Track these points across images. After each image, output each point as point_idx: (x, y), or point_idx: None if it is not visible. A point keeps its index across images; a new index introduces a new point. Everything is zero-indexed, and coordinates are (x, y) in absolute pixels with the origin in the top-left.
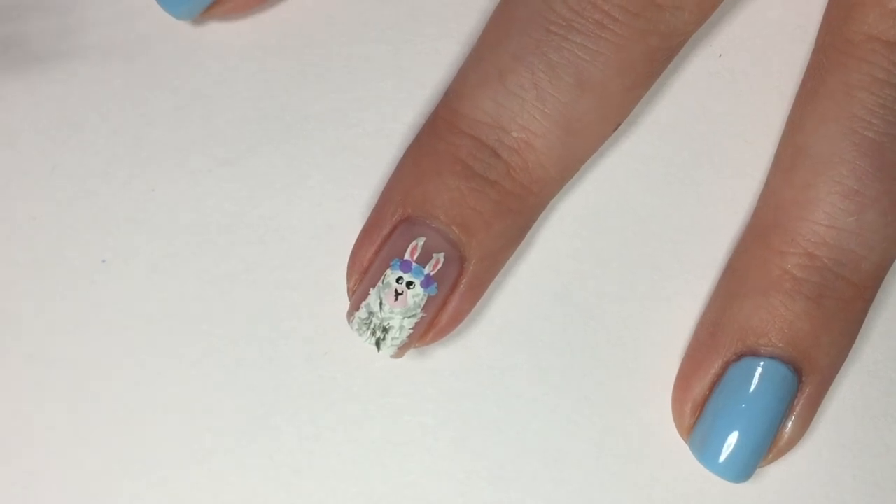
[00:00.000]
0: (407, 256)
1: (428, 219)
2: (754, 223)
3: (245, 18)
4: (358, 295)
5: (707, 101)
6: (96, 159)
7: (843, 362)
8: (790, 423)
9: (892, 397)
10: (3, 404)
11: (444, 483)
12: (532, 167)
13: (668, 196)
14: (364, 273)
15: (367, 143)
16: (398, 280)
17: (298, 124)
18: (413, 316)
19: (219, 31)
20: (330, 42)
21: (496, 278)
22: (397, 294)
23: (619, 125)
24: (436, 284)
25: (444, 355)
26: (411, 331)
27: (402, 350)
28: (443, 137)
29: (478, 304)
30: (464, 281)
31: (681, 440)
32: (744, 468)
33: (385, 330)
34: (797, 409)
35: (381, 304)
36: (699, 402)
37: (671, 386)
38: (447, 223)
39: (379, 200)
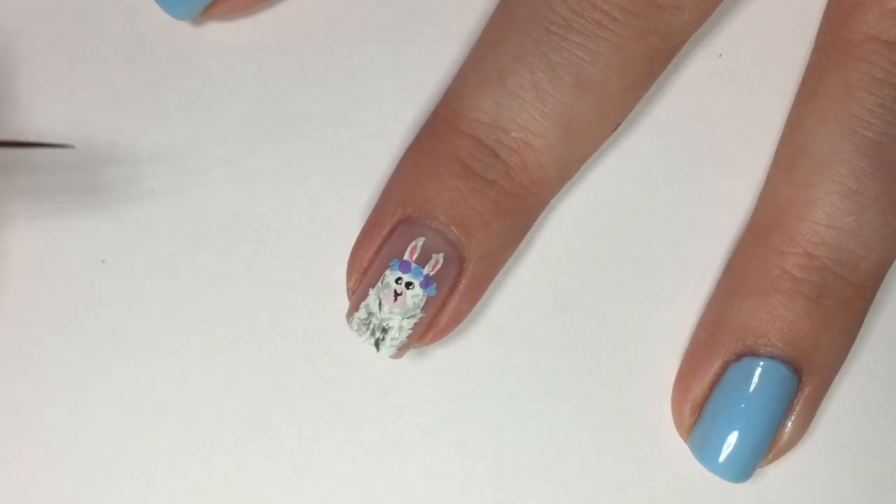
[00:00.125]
0: (406, 257)
1: (427, 219)
2: (754, 223)
3: (245, 18)
4: (357, 295)
5: (707, 101)
6: (96, 159)
7: (842, 362)
8: (790, 423)
9: (892, 397)
10: (2, 404)
11: (444, 483)
12: (531, 167)
13: (668, 196)
14: (364, 273)
15: (367, 143)
16: (397, 280)
17: (298, 124)
18: (412, 316)
19: (219, 31)
20: (330, 42)
21: (496, 278)
22: (396, 294)
23: (619, 125)
24: (435, 285)
25: (444, 355)
26: (411, 331)
27: (401, 350)
28: (442, 137)
29: (478, 304)
30: (463, 281)
31: (681, 440)
32: (743, 468)
33: (384, 330)
34: (797, 409)
35: (380, 304)
36: (699, 402)
37: (671, 386)
38: (447, 223)
39: (379, 200)
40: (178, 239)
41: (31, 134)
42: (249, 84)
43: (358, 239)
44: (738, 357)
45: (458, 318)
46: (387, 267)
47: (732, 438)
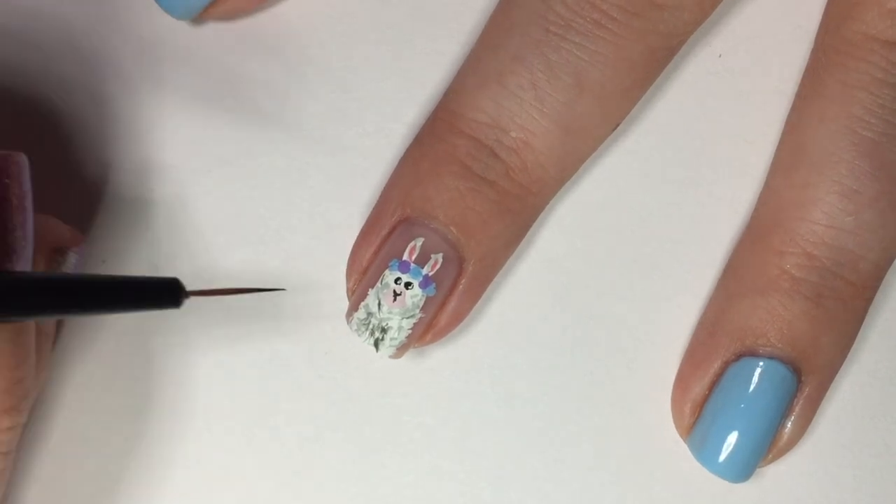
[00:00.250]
0: (405, 257)
1: (427, 219)
2: (753, 223)
3: (245, 18)
4: (357, 295)
5: (707, 101)
6: (95, 159)
7: (842, 362)
8: (790, 423)
9: (892, 397)
10: None
11: (444, 483)
12: (531, 167)
13: (668, 196)
14: (363, 273)
15: (367, 143)
16: (396, 280)
17: (298, 124)
18: (412, 316)
19: (219, 31)
20: (330, 42)
21: (496, 278)
22: (396, 294)
23: (619, 125)
24: (434, 285)
25: (444, 355)
26: (410, 331)
27: (400, 350)
28: (442, 138)
29: (477, 304)
30: (463, 281)
31: (681, 440)
32: (743, 468)
33: (384, 330)
34: (796, 409)
35: (379, 304)
36: (698, 402)
37: (671, 386)
38: (446, 223)
39: (378, 201)
40: (177, 239)
41: (29, 133)
42: (249, 84)
43: (357, 239)
44: (738, 357)
45: (457, 318)
46: (386, 267)
47: (732, 438)
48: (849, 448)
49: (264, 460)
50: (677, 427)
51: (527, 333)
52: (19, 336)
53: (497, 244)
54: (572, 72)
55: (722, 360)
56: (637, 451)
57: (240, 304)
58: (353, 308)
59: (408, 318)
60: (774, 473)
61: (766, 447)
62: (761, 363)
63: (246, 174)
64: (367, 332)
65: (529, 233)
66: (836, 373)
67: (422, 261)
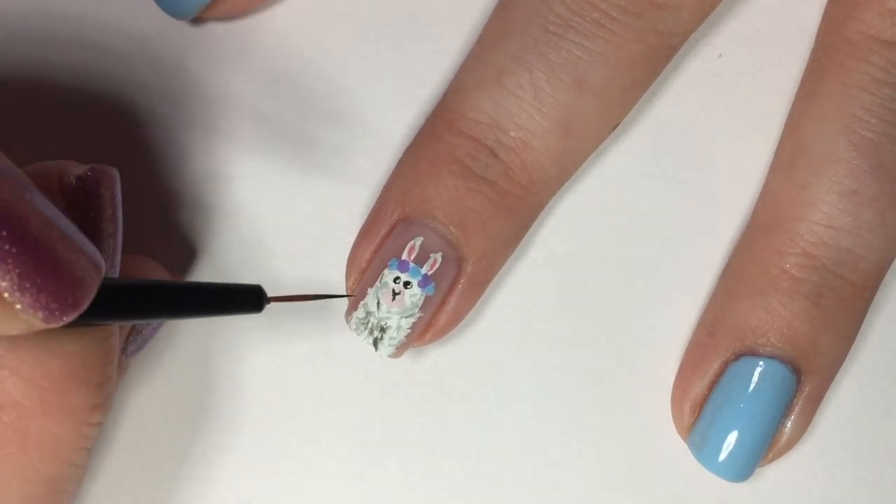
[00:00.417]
0: (405, 256)
1: (426, 219)
2: (753, 223)
3: (245, 18)
4: (356, 294)
5: (707, 101)
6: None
7: (842, 362)
8: (789, 422)
9: (892, 397)
10: None
11: (444, 483)
12: (530, 167)
13: (668, 196)
14: (363, 273)
15: (367, 143)
16: (395, 280)
17: (298, 124)
18: (411, 316)
19: (219, 31)
20: (330, 42)
21: (496, 278)
22: (395, 294)
23: (618, 125)
24: (433, 284)
25: (444, 355)
26: (409, 330)
27: (400, 350)
28: (441, 138)
29: (477, 304)
30: (462, 281)
31: (681, 440)
32: (743, 467)
33: (383, 330)
34: (796, 408)
35: (378, 303)
36: (698, 401)
37: (671, 386)
38: (445, 223)
39: (378, 200)
40: (177, 240)
41: (26, 132)
42: (249, 84)
43: (357, 238)
44: (738, 357)
45: (457, 318)
46: (385, 266)
47: (732, 438)
48: (849, 448)
49: (264, 460)
50: (677, 427)
51: (527, 333)
52: (110, 337)
53: (496, 244)
54: (572, 71)
55: (722, 360)
56: (637, 450)
57: None
58: (353, 307)
59: (407, 317)
60: (774, 473)
61: (765, 447)
62: (761, 363)
63: (245, 174)
64: (366, 332)
65: (529, 233)
66: (836, 373)
67: (421, 260)
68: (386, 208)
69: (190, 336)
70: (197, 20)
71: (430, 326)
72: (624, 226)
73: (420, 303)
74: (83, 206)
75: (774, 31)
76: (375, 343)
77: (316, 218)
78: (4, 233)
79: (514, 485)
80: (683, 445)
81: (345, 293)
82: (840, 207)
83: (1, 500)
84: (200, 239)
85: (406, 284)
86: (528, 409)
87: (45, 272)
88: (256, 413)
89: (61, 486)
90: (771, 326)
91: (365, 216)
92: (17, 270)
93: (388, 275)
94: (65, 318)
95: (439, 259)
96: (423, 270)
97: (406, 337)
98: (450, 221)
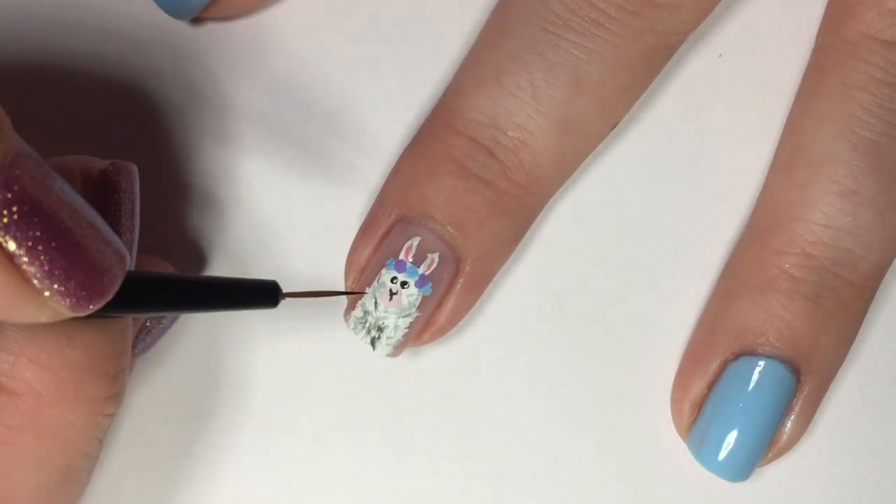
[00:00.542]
0: (402, 256)
1: (423, 219)
2: (753, 223)
3: (245, 18)
4: (353, 295)
5: (707, 101)
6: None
7: (842, 362)
8: (789, 422)
9: (892, 397)
10: None
11: (444, 483)
12: (528, 167)
13: (668, 196)
14: (361, 272)
15: (367, 143)
16: (393, 280)
17: (298, 124)
18: (408, 315)
19: (219, 31)
20: (330, 42)
21: (496, 278)
22: (392, 293)
23: (617, 124)
24: (430, 284)
25: (445, 355)
26: (406, 330)
27: (397, 349)
28: (439, 138)
29: (477, 305)
30: (460, 281)
31: (681, 440)
32: (742, 467)
33: (380, 329)
34: (796, 408)
35: (375, 303)
36: (698, 401)
37: (671, 385)
38: (442, 223)
39: (376, 200)
40: (176, 239)
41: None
42: (249, 84)
43: (355, 238)
44: (737, 356)
45: (455, 318)
46: (383, 266)
47: (731, 437)
48: (849, 448)
49: (264, 460)
50: (677, 426)
51: (526, 333)
52: (125, 330)
53: (494, 244)
54: (570, 71)
55: (721, 360)
56: (637, 450)
57: None
58: (351, 307)
59: (404, 316)
60: (774, 473)
61: (765, 446)
62: (760, 363)
63: (245, 174)
64: (364, 331)
65: (529, 232)
66: (836, 373)
67: (418, 260)
68: (384, 208)
69: (190, 336)
70: (197, 20)
71: (428, 326)
72: (624, 226)
73: (417, 303)
74: (103, 200)
75: (774, 31)
76: (373, 342)
77: (315, 218)
78: (35, 219)
79: (514, 484)
80: (683, 445)
81: (354, 291)
82: (839, 207)
83: (16, 487)
84: (198, 240)
85: (403, 284)
86: (528, 408)
87: (73, 260)
88: (256, 413)
89: (74, 476)
90: (770, 326)
91: (364, 216)
92: (47, 257)
93: (386, 274)
94: (91, 307)
95: (436, 259)
96: (420, 270)
97: (403, 336)
98: (447, 221)
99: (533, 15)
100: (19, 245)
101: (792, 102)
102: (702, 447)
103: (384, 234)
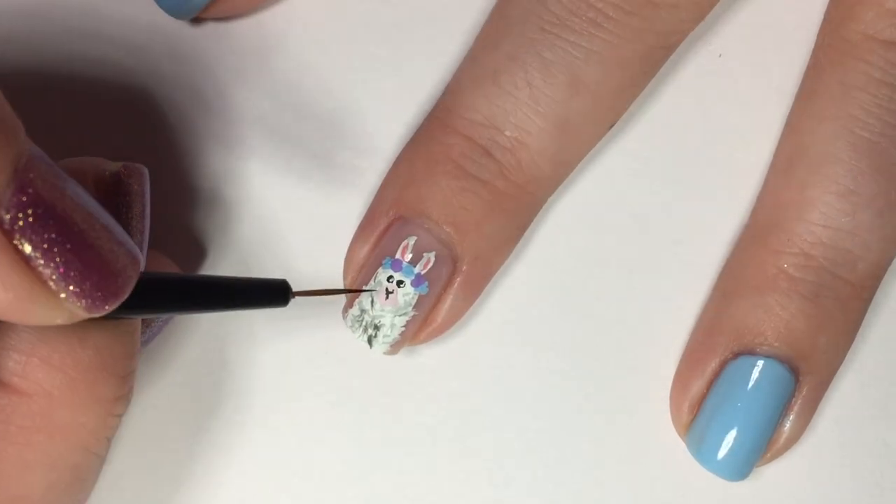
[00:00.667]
0: (398, 255)
1: (420, 219)
2: (752, 223)
3: (245, 18)
4: (351, 293)
5: (707, 101)
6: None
7: (841, 362)
8: (788, 422)
9: (892, 397)
10: None
11: (444, 483)
12: (526, 166)
13: (668, 196)
14: (359, 271)
15: (367, 143)
16: (389, 279)
17: (298, 124)
18: (404, 314)
19: (219, 31)
20: (330, 42)
21: (495, 278)
22: (388, 292)
23: (615, 124)
24: (427, 283)
25: (445, 355)
26: (403, 329)
27: (394, 347)
28: (436, 138)
29: (478, 304)
30: (457, 280)
31: (680, 439)
32: (741, 466)
33: (376, 328)
34: (795, 408)
35: (372, 301)
36: (696, 400)
37: (670, 385)
38: (439, 223)
39: (374, 200)
40: (176, 239)
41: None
42: (249, 84)
43: (353, 238)
44: (736, 356)
45: (453, 318)
46: (379, 265)
47: (729, 437)
48: (849, 448)
49: (264, 460)
50: (676, 425)
51: (526, 333)
52: (135, 331)
53: (491, 244)
54: (567, 70)
55: (720, 359)
56: (637, 450)
57: None
58: (349, 305)
59: (400, 315)
60: (774, 473)
61: (763, 446)
62: (759, 362)
63: (245, 174)
64: (361, 329)
65: (528, 232)
66: (835, 372)
67: (415, 259)
68: (382, 207)
69: (190, 337)
70: (197, 20)
71: (425, 325)
72: (623, 226)
73: (413, 302)
74: (115, 201)
75: (774, 31)
76: (370, 341)
77: (315, 218)
78: (50, 222)
79: (514, 484)
80: (683, 445)
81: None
82: (838, 207)
83: (28, 487)
84: (198, 240)
85: (399, 283)
86: (527, 408)
87: (88, 261)
88: (256, 413)
89: (84, 475)
90: (768, 326)
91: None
92: (62, 259)
93: (382, 273)
94: (107, 307)
95: (432, 258)
96: (416, 270)
97: (400, 335)
98: (444, 221)
99: (531, 15)
100: (35, 247)
101: (792, 102)
102: (701, 446)
103: (381, 233)
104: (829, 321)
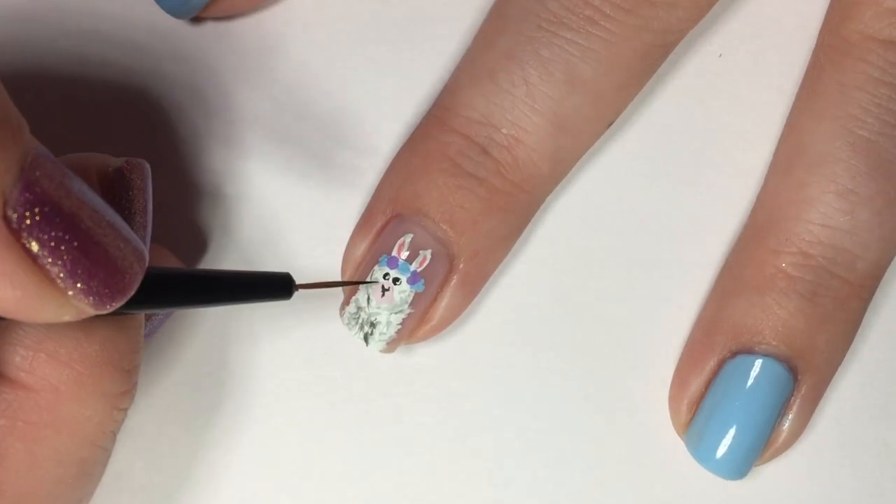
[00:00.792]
0: (394, 253)
1: (416, 216)
2: (751, 222)
3: (245, 18)
4: (349, 290)
5: (707, 101)
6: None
7: (840, 361)
8: (787, 421)
9: (892, 397)
10: None
11: (444, 483)
12: (523, 164)
13: (668, 196)
14: (357, 268)
15: (366, 142)
16: (385, 276)
17: (298, 124)
18: (400, 312)
19: (219, 31)
20: (330, 42)
21: (494, 277)
22: (384, 290)
23: (613, 123)
24: (423, 281)
25: (445, 354)
26: (399, 326)
27: (391, 345)
28: (434, 136)
29: (477, 304)
30: (454, 278)
31: (679, 438)
32: (739, 465)
33: (373, 325)
34: (794, 407)
35: (368, 299)
36: (695, 399)
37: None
38: (436, 220)
39: (372, 198)
40: (176, 239)
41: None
42: (249, 84)
43: (351, 235)
44: (734, 355)
45: (450, 316)
46: (376, 263)
47: (728, 435)
48: (849, 448)
49: (264, 460)
50: (674, 424)
51: (526, 333)
52: (139, 326)
53: (488, 241)
54: (564, 68)
55: (718, 358)
56: (637, 450)
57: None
58: (346, 302)
59: (396, 313)
60: (773, 472)
61: (762, 445)
62: (757, 361)
63: (245, 174)
64: (357, 326)
65: (527, 231)
66: (834, 372)
67: (411, 257)
68: (379, 205)
69: (191, 337)
70: (197, 20)
71: (422, 323)
72: (623, 225)
73: (410, 299)
74: (118, 197)
75: (774, 31)
76: (366, 338)
77: (315, 217)
78: (57, 220)
79: (514, 484)
80: (682, 444)
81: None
82: (837, 207)
83: (35, 481)
84: (198, 240)
85: (395, 281)
86: (527, 408)
87: (95, 258)
88: (256, 413)
89: (90, 469)
90: (767, 325)
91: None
92: (69, 256)
93: (378, 271)
94: (113, 304)
95: (429, 256)
96: (413, 267)
97: (396, 333)
98: (440, 219)
99: (528, 13)
100: (42, 245)
101: (792, 102)
102: (699, 445)
103: (379, 231)
104: (827, 320)
